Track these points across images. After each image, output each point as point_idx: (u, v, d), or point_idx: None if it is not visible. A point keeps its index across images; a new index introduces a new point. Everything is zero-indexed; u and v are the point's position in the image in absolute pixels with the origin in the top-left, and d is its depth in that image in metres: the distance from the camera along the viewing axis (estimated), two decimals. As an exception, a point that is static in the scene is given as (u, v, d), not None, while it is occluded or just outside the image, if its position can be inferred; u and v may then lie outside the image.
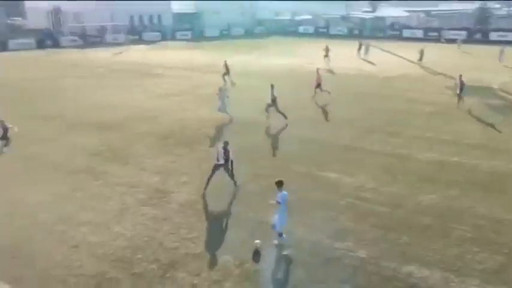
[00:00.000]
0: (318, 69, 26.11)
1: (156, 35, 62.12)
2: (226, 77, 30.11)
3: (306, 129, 19.69)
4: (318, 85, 25.25)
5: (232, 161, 13.27)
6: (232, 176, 13.51)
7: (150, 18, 65.54)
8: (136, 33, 61.21)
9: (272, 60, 39.25)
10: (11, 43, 51.11)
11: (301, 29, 70.47)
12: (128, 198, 12.97)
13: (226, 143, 13.19)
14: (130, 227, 11.48)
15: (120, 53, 47.96)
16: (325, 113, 22.69)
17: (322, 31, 67.95)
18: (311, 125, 20.42)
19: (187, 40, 61.84)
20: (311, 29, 69.48)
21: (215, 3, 73.92)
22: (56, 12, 62.31)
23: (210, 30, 67.65)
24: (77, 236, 10.99)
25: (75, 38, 55.99)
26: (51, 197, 13.21)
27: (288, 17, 74.82)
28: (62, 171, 15.10)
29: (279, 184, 10.26)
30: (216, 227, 11.50)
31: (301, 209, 12.18)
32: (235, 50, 50.37)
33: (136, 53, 47.96)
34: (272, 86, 20.69)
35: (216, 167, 13.32)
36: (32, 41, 52.90)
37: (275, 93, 20.49)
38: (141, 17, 64.45)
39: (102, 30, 59.38)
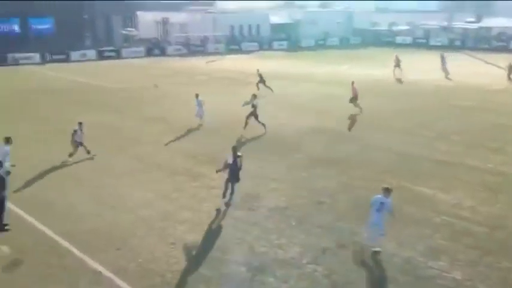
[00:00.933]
0: (352, 82, 24.97)
1: (253, 45, 63.33)
2: (260, 85, 29.89)
3: (399, 141, 19.07)
4: (353, 98, 24.21)
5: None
6: (233, 187, 12.69)
7: (249, 28, 66.99)
8: (235, 43, 62.85)
9: (364, 71, 38.39)
10: (124, 51, 55.04)
11: (398, 39, 68.01)
12: (221, 201, 13.16)
13: (234, 149, 12.87)
14: (222, 228, 11.75)
15: (213, 61, 49.24)
16: (419, 125, 21.70)
17: (421, 42, 65.03)
18: (404, 137, 19.74)
19: (283, 50, 62.30)
20: (409, 40, 66.81)
21: (312, 14, 73.98)
22: (164, 23, 65.81)
23: (306, 40, 67.70)
24: (175, 234, 11.36)
25: (180, 47, 58.77)
26: (153, 195, 13.76)
27: (384, 28, 72.63)
28: (164, 171, 15.73)
29: (386, 191, 10.16)
30: (305, 234, 11.36)
31: (394, 223, 11.71)
32: (328, 59, 50.05)
33: (235, 62, 49.04)
34: (254, 96, 20.67)
35: (232, 177, 12.75)
36: (141, 49, 56.53)
37: (255, 102, 20.30)
38: (241, 28, 66.09)
39: (205, 40, 61.63)
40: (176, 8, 67.24)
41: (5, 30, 50.17)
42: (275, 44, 65.13)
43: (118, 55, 53.72)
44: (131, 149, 18.42)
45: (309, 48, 63.19)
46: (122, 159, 17.24)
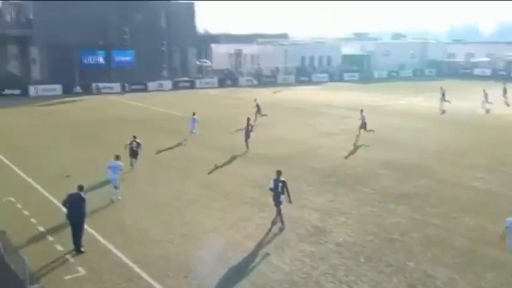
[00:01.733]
0: (361, 111, 25.82)
1: (324, 76, 63.34)
2: (257, 115, 30.36)
3: (477, 177, 18.10)
4: (362, 126, 25.19)
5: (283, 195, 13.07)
6: (278, 211, 13.25)
7: (320, 60, 67.21)
8: (306, 74, 63.18)
9: (438, 103, 36.89)
10: (198, 82, 57.06)
11: (476, 71, 65.17)
12: (288, 233, 13.05)
13: (279, 173, 13.16)
14: (288, 261, 11.49)
15: (278, 91, 49.51)
16: (500, 161, 20.40)
17: (502, 74, 61.80)
18: (482, 172, 18.74)
19: (354, 81, 61.70)
20: (488, 72, 63.78)
21: (385, 45, 73.06)
22: (237, 55, 67.52)
23: (378, 71, 66.77)
24: (242, 264, 11.32)
25: (251, 78, 59.85)
26: (221, 223, 13.92)
27: (461, 59, 69.98)
28: (231, 199, 15.86)
29: None
30: (374, 273, 10.87)
31: (471, 266, 10.84)
32: (401, 91, 48.84)
33: (304, 93, 49.28)
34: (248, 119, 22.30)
35: (275, 200, 13.27)
36: (215, 80, 58.17)
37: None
38: (311, 59, 66.50)
39: (275, 71, 62.51)
40: (249, 41, 69.17)
41: (92, 61, 53.60)
42: (346, 75, 64.71)
43: (192, 85, 55.64)
44: (200, 175, 18.71)
45: (381, 80, 62.09)
46: (191, 185, 17.55)
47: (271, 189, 13.24)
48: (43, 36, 51.64)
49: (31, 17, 55.43)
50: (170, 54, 60.39)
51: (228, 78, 59.43)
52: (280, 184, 13.15)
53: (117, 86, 51.36)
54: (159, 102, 42.44)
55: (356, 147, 23.68)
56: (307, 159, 21.16)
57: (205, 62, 65.26)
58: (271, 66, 62.22)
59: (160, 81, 54.58)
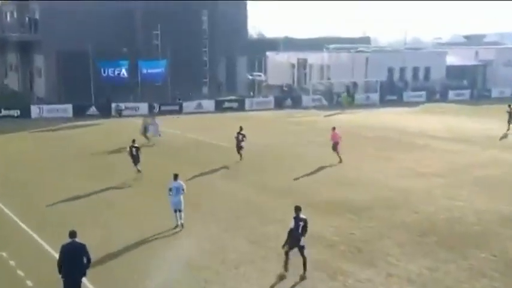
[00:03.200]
0: (333, 128, 29.86)
1: (419, 94, 62.41)
2: None
3: None
4: (334, 145, 29.14)
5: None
6: (302, 256, 14.78)
7: (415, 72, 65.87)
8: (394, 92, 62.40)
9: None
10: (248, 102, 57.31)
11: None
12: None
13: (298, 209, 14.70)
14: None
15: (335, 114, 49.26)
16: None
17: None
18: None
19: (463, 102, 60.37)
20: None
21: (510, 52, 70.86)
22: (300, 66, 68.34)
23: (498, 88, 64.94)
24: None
25: (319, 96, 59.78)
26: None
27: None
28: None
29: None
30: None
31: None
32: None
33: (393, 117, 48.78)
34: None
35: (292, 243, 14.63)
36: (270, 99, 58.55)
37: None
38: (402, 71, 65.27)
39: (352, 87, 62.06)
40: (316, 47, 69.55)
41: (112, 74, 53.63)
42: (451, 94, 63.48)
43: (241, 106, 56.18)
44: (246, 227, 18.91)
45: (502, 100, 60.22)
46: (238, 240, 17.88)
47: (291, 231, 14.53)
48: (51, 42, 53.22)
49: (36, 16, 57.09)
50: (213, 65, 61.31)
51: (287, 97, 60.00)
52: (301, 223, 14.51)
53: (143, 107, 51.72)
54: (197, 127, 43.17)
55: (466, 193, 23.14)
56: (395, 209, 21.08)
57: (259, 76, 65.87)
58: (346, 81, 62.12)
59: (200, 101, 55.81)
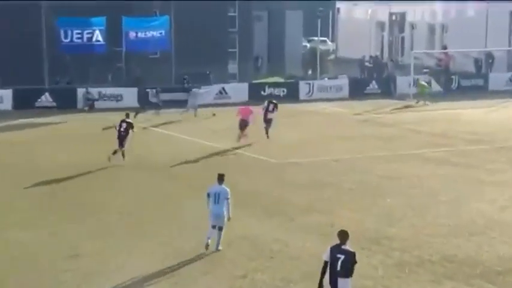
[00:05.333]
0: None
1: None
2: None
3: None
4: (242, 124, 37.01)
5: None
6: None
7: None
8: None
9: None
10: (304, 86, 56.16)
11: None
12: None
13: (343, 236, 15.76)
14: None
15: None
16: None
17: None
18: None
19: None
20: None
21: None
22: (396, 26, 69.59)
23: None
24: None
25: (427, 78, 58.98)
26: None
27: None
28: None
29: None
30: None
31: None
32: None
33: None
34: None
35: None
36: (343, 82, 58.28)
37: None
38: None
39: (487, 62, 62.58)
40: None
41: (78, 40, 53.08)
42: None
43: (292, 94, 55.36)
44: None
45: None
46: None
47: (325, 265, 15.62)
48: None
49: None
50: (246, 26, 61.78)
51: (371, 79, 59.35)
52: (342, 257, 15.40)
53: (130, 95, 51.74)
54: (221, 129, 42.71)
55: None
56: None
57: (323, 42, 64.10)
58: (474, 52, 61.01)
59: (223, 85, 55.41)
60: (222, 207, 21.23)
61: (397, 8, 67.99)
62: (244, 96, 53.59)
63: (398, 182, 31.76)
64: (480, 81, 59.10)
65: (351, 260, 15.43)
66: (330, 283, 15.59)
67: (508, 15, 62.67)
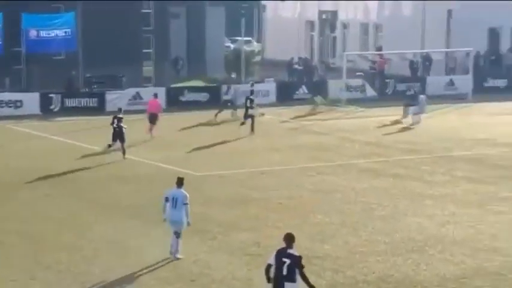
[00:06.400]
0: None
1: None
2: None
3: None
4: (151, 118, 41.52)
5: None
6: None
7: None
8: (501, 74, 63.38)
9: None
10: (228, 91, 55.49)
11: None
12: None
13: (289, 239, 16.47)
14: None
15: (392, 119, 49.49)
16: None
17: None
18: None
19: None
20: None
21: None
22: (327, 25, 70.25)
23: None
24: None
25: (360, 82, 60.16)
26: None
27: None
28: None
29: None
30: None
31: None
32: None
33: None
34: None
35: None
36: (269, 86, 58.47)
37: None
38: None
39: (424, 64, 63.32)
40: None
41: None
42: None
43: (213, 99, 54.85)
44: None
45: None
46: None
47: (269, 268, 16.42)
48: None
49: None
50: (162, 24, 62.04)
51: (301, 81, 60.24)
52: (288, 261, 16.05)
53: (31, 101, 51.41)
54: (136, 138, 42.48)
55: None
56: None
57: (249, 43, 65.01)
58: (410, 54, 62.36)
59: (137, 89, 55.15)
60: (180, 212, 22.28)
61: (327, 5, 68.46)
62: (161, 102, 52.88)
63: (332, 195, 31.95)
64: (417, 86, 58.30)
65: (297, 264, 16.05)
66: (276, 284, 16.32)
67: (446, 14, 63.27)
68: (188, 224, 22.82)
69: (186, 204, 22.32)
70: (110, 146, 36.93)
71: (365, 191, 32.54)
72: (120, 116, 37.32)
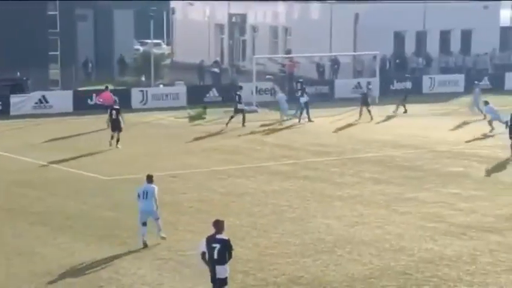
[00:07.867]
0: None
1: (452, 79, 63.23)
2: None
3: None
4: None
5: None
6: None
7: (443, 39, 67.39)
8: (404, 77, 63.39)
9: None
10: (137, 95, 56.06)
11: None
12: None
13: (218, 226, 17.73)
14: None
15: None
16: None
17: None
18: None
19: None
20: None
21: None
22: (236, 28, 70.49)
23: None
24: None
25: (270, 85, 60.08)
26: None
27: None
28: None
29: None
30: None
31: None
32: None
33: (411, 129, 49.44)
34: None
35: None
36: (179, 89, 58.61)
37: None
38: (420, 38, 67.04)
39: (333, 67, 63.13)
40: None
41: None
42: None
43: (124, 103, 53.84)
44: None
45: None
46: None
47: (204, 255, 17.68)
48: None
49: None
50: (68, 25, 61.56)
51: (212, 85, 60.30)
52: (218, 246, 17.31)
53: None
54: (41, 142, 42.62)
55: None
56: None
57: (158, 46, 65.10)
58: (317, 57, 62.68)
59: (43, 93, 54.63)
60: (150, 202, 24.54)
61: (237, 8, 68.73)
62: (69, 106, 53.38)
63: (242, 198, 32.41)
64: (325, 89, 60.12)
65: (226, 247, 17.38)
66: (210, 271, 17.63)
67: (353, 17, 63.70)
68: (157, 207, 24.74)
69: (154, 195, 24.63)
70: (112, 137, 40.07)
71: (275, 193, 32.84)
72: (117, 107, 40.92)
